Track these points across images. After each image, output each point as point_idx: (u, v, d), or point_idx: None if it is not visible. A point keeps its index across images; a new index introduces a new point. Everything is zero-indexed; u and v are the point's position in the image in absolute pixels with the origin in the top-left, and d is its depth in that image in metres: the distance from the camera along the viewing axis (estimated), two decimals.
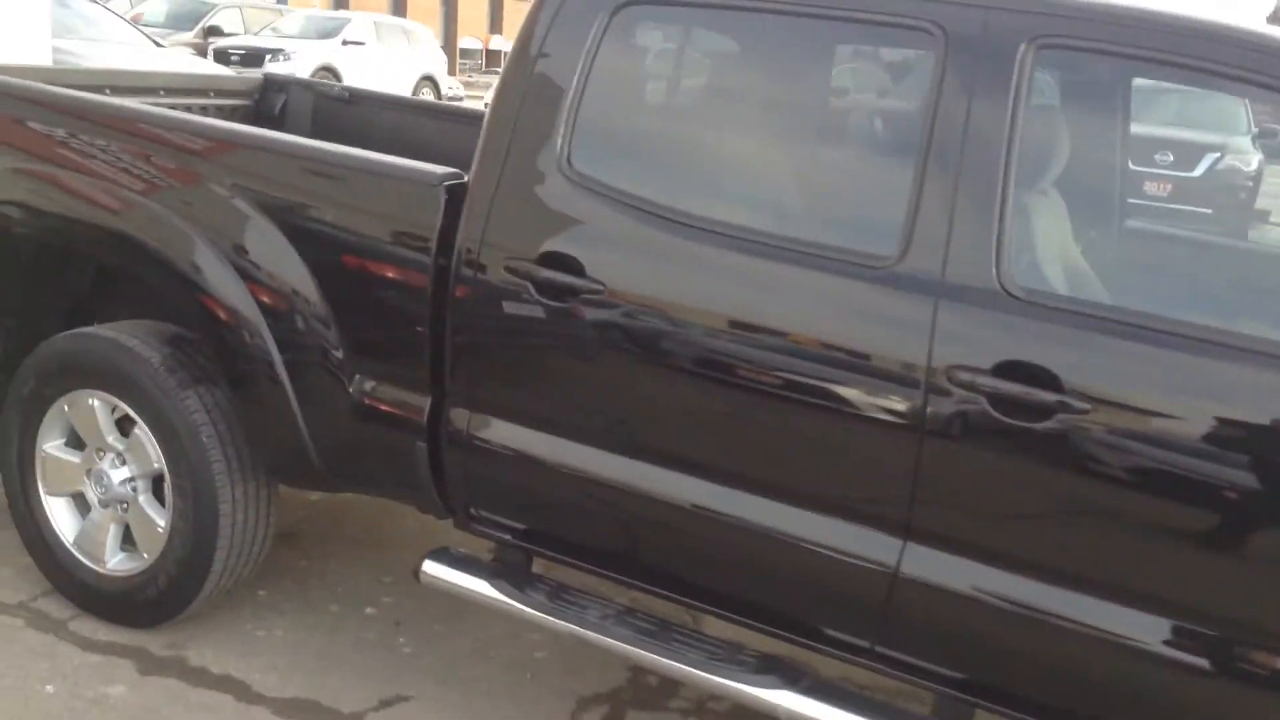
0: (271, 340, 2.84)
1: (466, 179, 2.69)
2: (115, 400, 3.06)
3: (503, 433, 2.67)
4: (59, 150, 3.13)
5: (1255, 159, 12.83)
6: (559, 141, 2.57)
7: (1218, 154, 12.58)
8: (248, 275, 2.85)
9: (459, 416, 2.71)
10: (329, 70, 18.56)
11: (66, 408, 3.16)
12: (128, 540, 3.19)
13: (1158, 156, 12.35)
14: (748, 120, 2.61)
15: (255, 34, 19.33)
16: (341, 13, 22.21)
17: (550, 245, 2.54)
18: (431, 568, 2.78)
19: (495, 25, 65.29)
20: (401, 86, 20.13)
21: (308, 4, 26.61)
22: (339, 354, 2.80)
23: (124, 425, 3.11)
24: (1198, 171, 12.52)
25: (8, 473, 3.28)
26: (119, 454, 3.12)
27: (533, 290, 2.55)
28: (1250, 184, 12.62)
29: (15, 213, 3.20)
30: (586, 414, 2.58)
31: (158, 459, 3.03)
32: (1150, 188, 12.55)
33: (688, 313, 2.42)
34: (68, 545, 3.23)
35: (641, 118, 2.66)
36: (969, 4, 2.26)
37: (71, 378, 3.11)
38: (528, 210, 2.61)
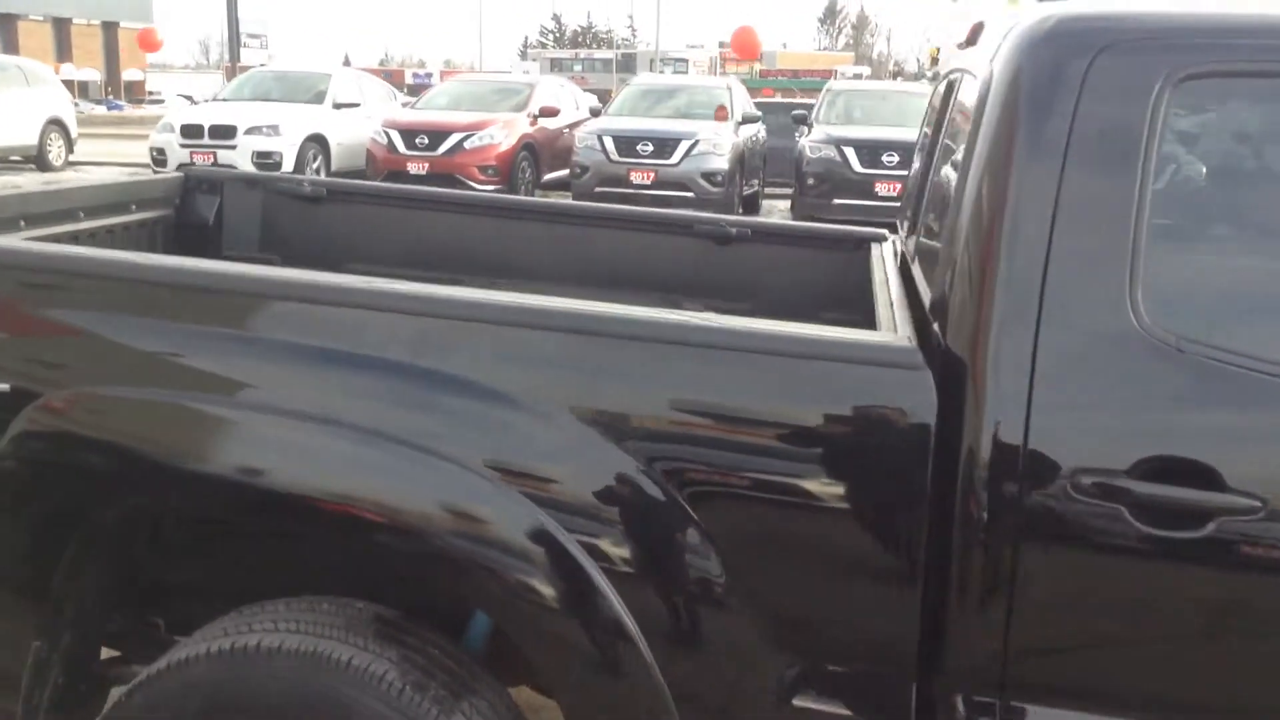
0: (626, 614, 1.80)
1: (949, 347, 1.79)
2: None
3: None
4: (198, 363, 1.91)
5: None
6: (1126, 288, 1.72)
7: None
8: (570, 522, 1.80)
9: (974, 707, 1.81)
10: None
11: None
12: None
13: None
14: None
15: None
16: None
17: (1155, 447, 1.69)
18: None
19: (64, 54, 59.86)
20: (26, 133, 17.50)
21: None
22: (749, 629, 1.82)
23: None
24: None
25: None
26: None
27: (1127, 515, 1.69)
28: None
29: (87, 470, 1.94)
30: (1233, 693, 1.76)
31: None
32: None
33: None
34: None
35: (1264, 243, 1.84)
36: None
37: None
38: (1094, 393, 1.73)
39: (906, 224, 2.83)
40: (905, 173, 12.64)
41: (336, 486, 1.86)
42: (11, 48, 52.60)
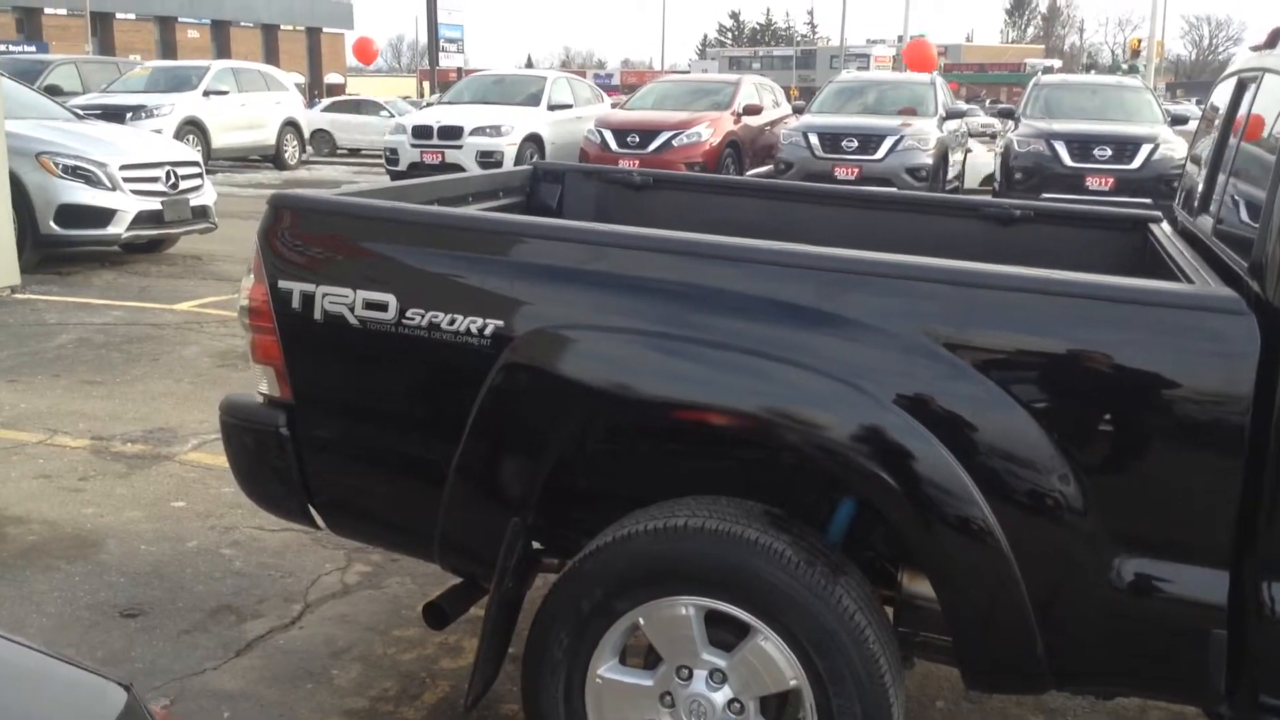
0: (992, 517, 2.27)
1: (1270, 301, 2.20)
2: (727, 607, 2.42)
3: None
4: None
5: None
6: None
7: None
8: (953, 441, 2.27)
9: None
10: (195, 124, 17.23)
11: (642, 620, 2.50)
12: None
13: None
14: None
15: (104, 90, 17.75)
16: (193, 62, 20.69)
17: None
18: None
19: (271, 58, 63.15)
20: (266, 134, 18.93)
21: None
22: (1090, 529, 2.26)
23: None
24: None
25: (548, 715, 2.58)
26: (715, 671, 2.48)
27: None
28: None
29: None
30: None
31: (795, 674, 2.41)
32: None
33: None
34: None
35: None
36: None
37: (662, 584, 2.45)
38: None
39: (1193, 206, 3.20)
40: (1118, 166, 12.76)
41: (779, 407, 2.38)
42: (225, 53, 55.96)
